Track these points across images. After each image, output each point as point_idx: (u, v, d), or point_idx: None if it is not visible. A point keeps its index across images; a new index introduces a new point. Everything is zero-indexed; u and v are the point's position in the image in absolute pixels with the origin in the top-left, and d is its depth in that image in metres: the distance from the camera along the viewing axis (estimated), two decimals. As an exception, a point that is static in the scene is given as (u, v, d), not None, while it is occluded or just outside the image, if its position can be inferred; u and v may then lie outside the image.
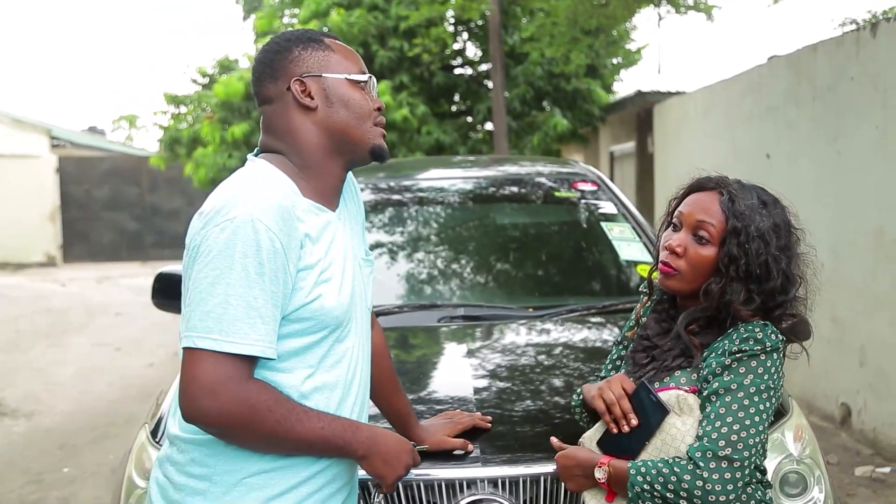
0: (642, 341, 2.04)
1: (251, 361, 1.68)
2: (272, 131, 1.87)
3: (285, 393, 1.73)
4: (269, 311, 1.67)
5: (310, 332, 1.76)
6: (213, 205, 1.73)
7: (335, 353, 1.81)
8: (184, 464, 1.77)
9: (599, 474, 1.88)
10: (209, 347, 1.64)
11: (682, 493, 1.76)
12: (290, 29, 2.02)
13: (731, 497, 1.77)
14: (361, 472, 2.05)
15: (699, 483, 1.76)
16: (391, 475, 1.85)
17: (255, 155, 1.89)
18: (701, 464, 1.76)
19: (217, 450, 1.74)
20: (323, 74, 1.84)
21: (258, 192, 1.71)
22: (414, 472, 2.13)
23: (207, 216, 1.71)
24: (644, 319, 2.09)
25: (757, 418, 1.80)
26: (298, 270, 1.73)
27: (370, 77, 1.90)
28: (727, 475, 1.76)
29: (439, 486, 2.12)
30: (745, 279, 1.88)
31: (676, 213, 1.98)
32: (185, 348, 1.67)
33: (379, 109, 1.90)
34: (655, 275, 2.03)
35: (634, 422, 1.88)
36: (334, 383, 1.81)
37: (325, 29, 11.12)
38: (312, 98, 1.83)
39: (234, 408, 1.65)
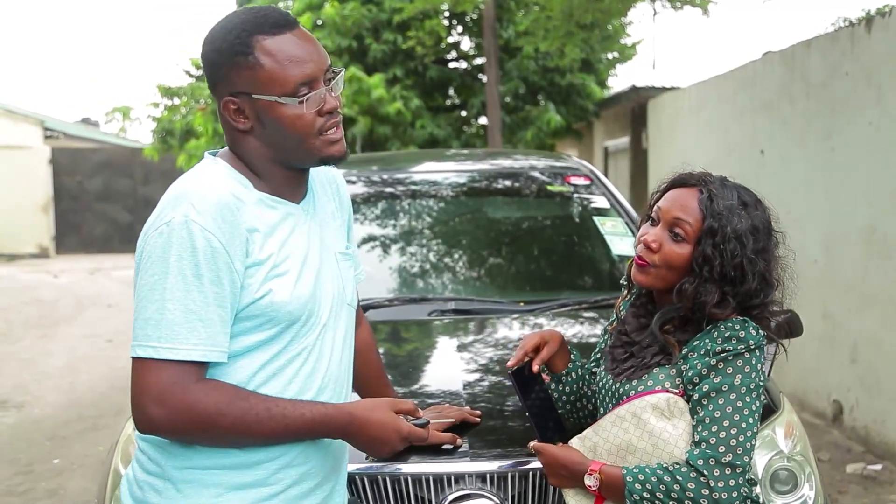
0: (621, 336, 2.03)
1: (199, 366, 1.62)
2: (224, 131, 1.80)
3: None
4: (213, 312, 1.61)
5: (262, 328, 1.69)
6: (157, 209, 1.69)
7: (291, 350, 1.73)
8: (143, 462, 1.76)
9: (590, 481, 1.85)
10: (149, 356, 1.60)
11: (686, 501, 1.75)
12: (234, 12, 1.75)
13: (736, 503, 1.76)
14: (352, 467, 2.04)
15: (705, 492, 1.74)
16: (379, 455, 1.87)
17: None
18: (705, 472, 1.75)
19: (163, 446, 1.71)
20: (253, 95, 1.69)
21: (195, 193, 1.65)
22: (402, 466, 2.12)
23: (150, 221, 1.68)
24: (623, 313, 2.07)
25: (751, 420, 1.79)
26: (246, 267, 1.66)
27: (310, 92, 1.68)
28: (731, 482, 1.75)
29: (427, 481, 2.10)
30: (719, 280, 1.84)
31: (655, 207, 1.95)
32: (132, 358, 1.64)
33: (331, 112, 1.72)
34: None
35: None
36: (287, 381, 1.72)
37: (319, 22, 11.08)
38: (246, 119, 1.71)
39: (181, 415, 1.61)
